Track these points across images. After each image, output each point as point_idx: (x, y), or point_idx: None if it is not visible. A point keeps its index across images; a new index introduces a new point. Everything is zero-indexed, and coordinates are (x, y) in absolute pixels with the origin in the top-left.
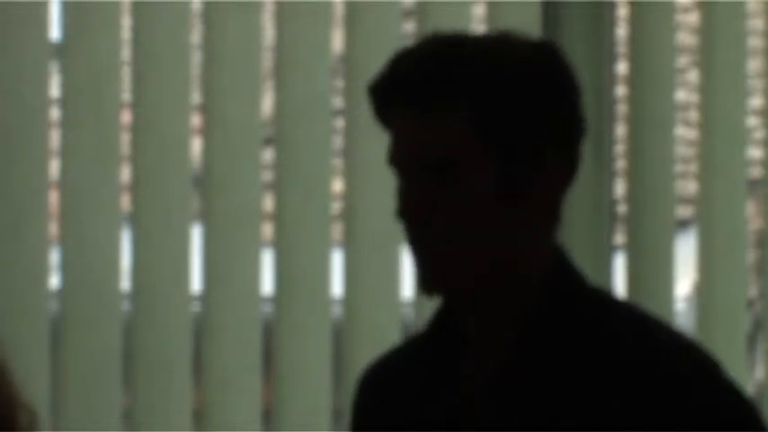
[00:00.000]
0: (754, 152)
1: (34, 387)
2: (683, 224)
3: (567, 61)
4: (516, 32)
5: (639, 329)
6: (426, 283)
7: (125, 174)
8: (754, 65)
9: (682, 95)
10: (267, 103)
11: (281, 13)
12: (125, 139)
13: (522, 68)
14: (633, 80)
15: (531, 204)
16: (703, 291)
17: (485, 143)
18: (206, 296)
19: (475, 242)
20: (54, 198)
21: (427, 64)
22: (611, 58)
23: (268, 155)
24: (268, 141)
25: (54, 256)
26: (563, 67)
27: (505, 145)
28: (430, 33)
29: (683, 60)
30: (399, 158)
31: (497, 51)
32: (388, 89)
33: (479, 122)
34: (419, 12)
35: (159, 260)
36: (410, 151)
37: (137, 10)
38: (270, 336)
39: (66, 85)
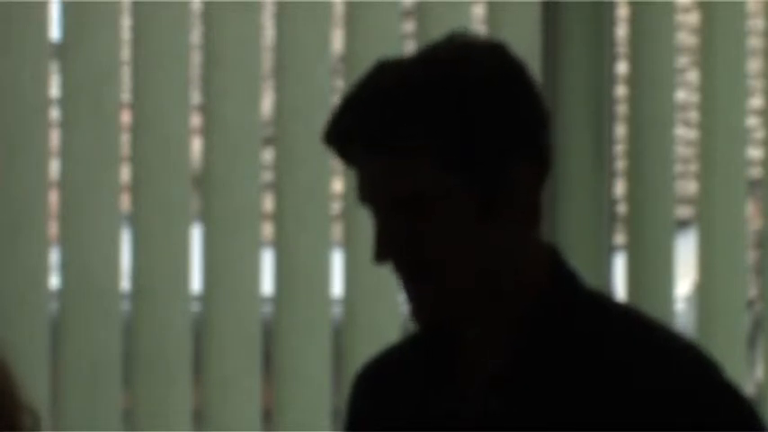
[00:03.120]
0: (754, 152)
1: (34, 387)
2: (683, 224)
3: (516, 59)
4: (463, 38)
5: (638, 331)
6: (422, 316)
7: (125, 174)
8: (754, 65)
9: (682, 95)
10: (267, 103)
11: (281, 13)
12: (125, 139)
13: (475, 85)
14: (633, 80)
15: (510, 211)
16: (703, 291)
17: (450, 171)
18: (206, 296)
19: (461, 265)
20: (54, 198)
21: (376, 105)
22: (611, 58)
23: (268, 155)
24: (268, 141)
25: (54, 256)
26: (514, 67)
27: (472, 166)
28: (374, 65)
29: (683, 60)
30: (369, 197)
31: (445, 73)
32: (342, 135)
33: (440, 155)
34: (419, 12)
35: (159, 260)
36: (378, 190)
37: (137, 10)
38: (270, 336)
39: (66, 85)
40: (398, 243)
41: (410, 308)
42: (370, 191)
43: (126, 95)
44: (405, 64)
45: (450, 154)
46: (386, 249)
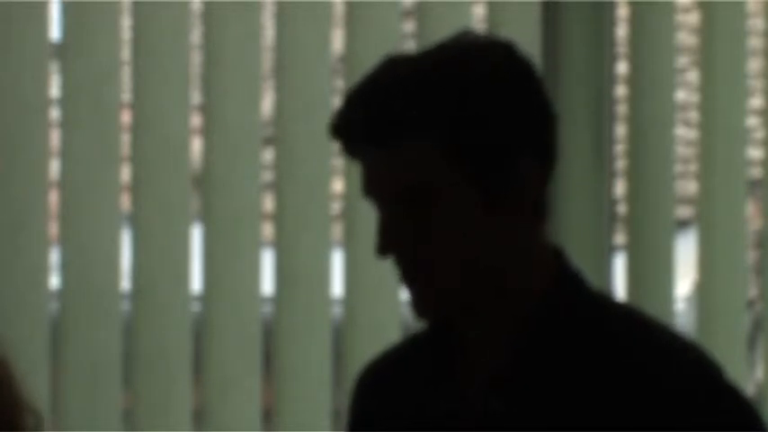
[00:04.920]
0: (754, 152)
1: (34, 387)
2: (683, 224)
3: (524, 57)
4: (470, 36)
5: (640, 332)
6: (423, 311)
7: (125, 174)
8: (754, 65)
9: (682, 95)
10: (267, 103)
11: (281, 13)
12: (125, 139)
13: (481, 80)
14: (633, 80)
15: (514, 208)
16: (703, 291)
17: (454, 164)
18: (206, 296)
19: (464, 260)
20: (54, 198)
21: (382, 98)
22: (611, 58)
23: (268, 155)
24: (268, 141)
25: (54, 256)
26: (521, 65)
27: (476, 160)
28: (381, 59)
29: (683, 60)
30: (373, 191)
31: (452, 67)
32: (347, 129)
33: (444, 147)
34: (419, 12)
35: (159, 260)
36: (381, 183)
37: (137, 10)
38: (270, 336)
39: (66, 85)
40: (400, 238)
41: (412, 303)
42: (374, 185)
43: (126, 95)
44: (412, 59)
45: (454, 148)
46: (388, 244)
